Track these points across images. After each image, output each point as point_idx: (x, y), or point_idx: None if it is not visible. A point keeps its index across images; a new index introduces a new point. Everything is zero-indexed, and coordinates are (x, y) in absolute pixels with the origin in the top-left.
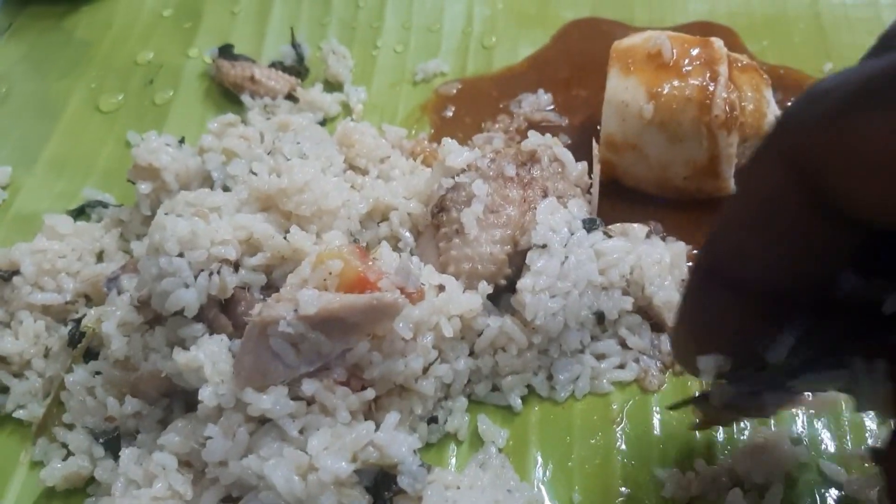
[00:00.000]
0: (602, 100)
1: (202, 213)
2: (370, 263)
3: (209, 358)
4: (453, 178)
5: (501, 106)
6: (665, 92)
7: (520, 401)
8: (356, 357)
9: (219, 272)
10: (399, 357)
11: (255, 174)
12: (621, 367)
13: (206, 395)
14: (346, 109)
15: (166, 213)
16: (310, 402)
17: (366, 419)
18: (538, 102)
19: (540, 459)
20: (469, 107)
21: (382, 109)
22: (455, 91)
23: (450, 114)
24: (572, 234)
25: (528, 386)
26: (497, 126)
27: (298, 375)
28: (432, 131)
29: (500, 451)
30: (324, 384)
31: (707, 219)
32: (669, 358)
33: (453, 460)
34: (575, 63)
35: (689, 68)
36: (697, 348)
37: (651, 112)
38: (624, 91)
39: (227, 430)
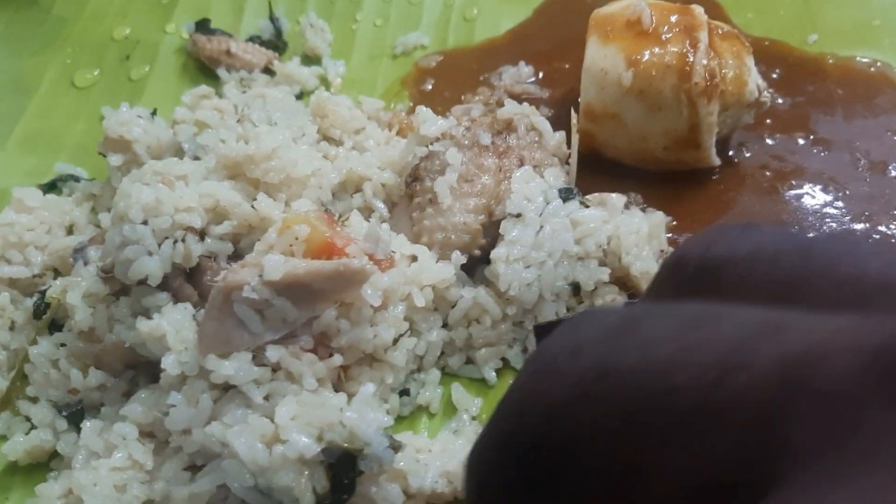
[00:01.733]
0: None
1: (168, 180)
2: (338, 230)
3: (173, 326)
4: (427, 146)
5: (482, 78)
6: (644, 59)
7: (494, 374)
8: (323, 325)
9: (183, 240)
10: (367, 325)
11: (223, 142)
12: None
13: (168, 364)
14: (325, 83)
15: (133, 182)
16: (275, 368)
17: (335, 388)
18: (519, 75)
19: None
20: (449, 80)
21: (361, 83)
22: (435, 64)
23: (429, 87)
24: (548, 204)
25: (503, 359)
26: (477, 98)
27: (263, 343)
28: (411, 104)
29: (473, 419)
30: (289, 351)
31: (688, 191)
32: None
33: (425, 433)
34: (557, 36)
35: (669, 35)
36: None
37: (630, 80)
38: (603, 59)
39: (191, 398)
